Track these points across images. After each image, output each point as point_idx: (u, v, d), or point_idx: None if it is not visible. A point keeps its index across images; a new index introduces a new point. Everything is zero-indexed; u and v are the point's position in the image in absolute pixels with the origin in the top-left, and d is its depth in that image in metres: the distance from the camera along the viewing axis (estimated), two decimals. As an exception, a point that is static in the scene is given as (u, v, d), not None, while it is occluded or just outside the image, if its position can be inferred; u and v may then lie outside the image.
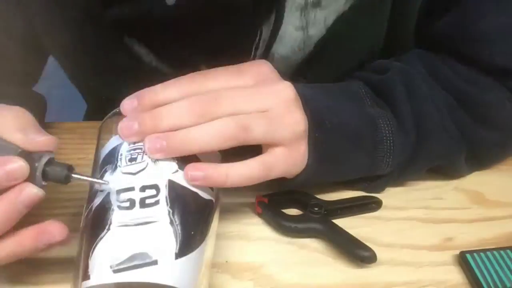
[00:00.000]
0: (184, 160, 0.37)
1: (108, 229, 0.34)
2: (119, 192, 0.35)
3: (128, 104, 0.39)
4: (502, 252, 0.42)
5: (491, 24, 0.47)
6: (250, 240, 0.44)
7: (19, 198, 0.34)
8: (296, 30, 0.47)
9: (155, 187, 0.35)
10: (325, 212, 0.45)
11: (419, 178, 0.51)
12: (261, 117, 0.39)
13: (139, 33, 0.47)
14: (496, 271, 0.41)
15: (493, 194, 0.51)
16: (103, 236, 0.33)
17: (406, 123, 0.46)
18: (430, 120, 0.47)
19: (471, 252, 0.43)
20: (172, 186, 0.36)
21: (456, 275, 0.42)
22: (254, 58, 0.46)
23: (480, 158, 0.51)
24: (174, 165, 0.37)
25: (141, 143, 0.37)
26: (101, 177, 0.37)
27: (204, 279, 0.36)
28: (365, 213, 0.48)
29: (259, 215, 0.46)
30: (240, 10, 0.45)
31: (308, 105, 0.42)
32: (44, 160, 0.35)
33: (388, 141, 0.45)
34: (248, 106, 0.39)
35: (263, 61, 0.43)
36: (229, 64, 0.42)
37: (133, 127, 0.37)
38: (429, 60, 0.51)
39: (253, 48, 0.47)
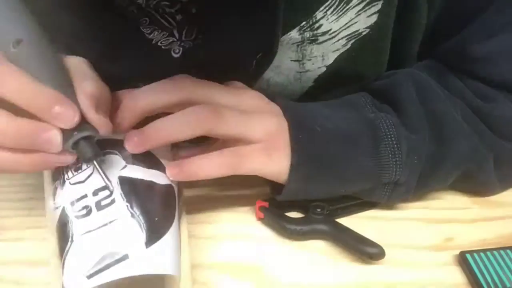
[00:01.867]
0: (129, 155, 0.37)
1: (72, 240, 0.34)
2: (73, 203, 0.35)
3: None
4: (502, 252, 0.43)
5: (494, 45, 0.46)
6: (250, 241, 0.44)
7: (42, 134, 0.33)
8: (292, 61, 0.48)
9: (107, 187, 0.35)
10: (327, 213, 0.45)
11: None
12: (235, 109, 0.40)
13: (140, 80, 0.48)
14: (496, 271, 0.41)
15: (493, 194, 0.51)
16: (69, 249, 0.34)
17: (413, 121, 0.44)
18: (449, 119, 0.45)
19: (471, 252, 0.43)
20: (124, 182, 0.36)
21: (456, 275, 0.42)
22: (247, 84, 0.47)
23: (505, 167, 0.48)
24: (121, 162, 0.37)
25: None
26: (54, 195, 0.36)
27: (185, 258, 0.36)
28: (364, 211, 0.48)
29: (261, 220, 0.46)
30: (243, 59, 0.45)
31: (287, 111, 0.42)
32: (85, 133, 0.34)
33: (390, 139, 0.43)
34: (223, 98, 0.41)
35: (239, 82, 0.44)
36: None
37: (116, 117, 0.38)
38: (438, 70, 0.50)
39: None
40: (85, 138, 0.34)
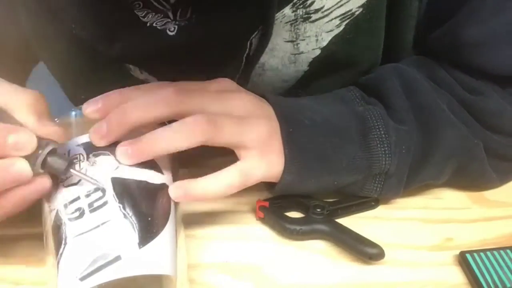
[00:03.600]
0: None
1: (65, 243, 0.34)
2: (66, 205, 0.35)
3: (91, 106, 0.38)
4: (502, 252, 0.42)
5: (484, 30, 0.46)
6: (250, 241, 0.44)
7: (10, 168, 0.33)
8: (286, 42, 0.48)
9: (100, 189, 0.35)
10: (327, 213, 0.45)
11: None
12: (229, 117, 0.40)
13: (137, 61, 0.47)
14: (496, 271, 0.41)
15: (493, 194, 0.51)
16: (62, 252, 0.33)
17: (399, 113, 0.45)
18: (435, 110, 0.46)
19: (471, 252, 0.43)
20: (117, 183, 0.36)
21: (456, 275, 0.42)
22: (245, 68, 0.47)
23: (495, 159, 0.49)
24: (114, 162, 0.37)
25: (76, 153, 0.37)
26: (49, 198, 0.36)
27: (181, 257, 0.36)
28: (364, 211, 0.47)
29: (261, 220, 0.46)
30: (238, 38, 0.45)
31: (277, 109, 0.43)
32: (48, 149, 0.34)
33: (378, 130, 0.44)
34: (215, 106, 0.40)
35: (226, 78, 0.44)
36: (218, 72, 0.44)
37: (102, 129, 0.37)
38: (426, 64, 0.50)
39: (244, 58, 0.47)
40: (49, 153, 0.34)
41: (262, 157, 0.41)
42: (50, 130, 0.35)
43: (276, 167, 0.42)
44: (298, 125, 0.43)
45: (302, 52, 0.49)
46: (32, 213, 0.45)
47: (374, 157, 0.44)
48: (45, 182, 0.35)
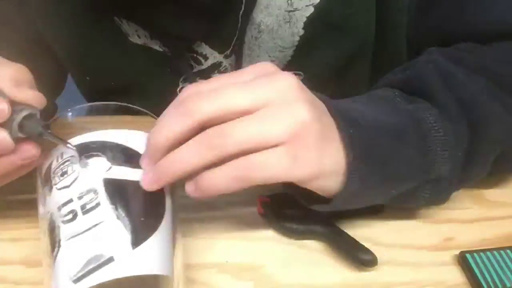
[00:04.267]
0: (114, 156, 0.37)
1: (59, 246, 0.34)
2: (59, 208, 0.35)
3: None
4: (502, 252, 0.42)
5: None
6: (250, 240, 0.44)
7: None
8: None
9: (92, 190, 0.35)
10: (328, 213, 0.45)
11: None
12: (241, 119, 0.34)
13: (129, 12, 0.48)
14: (496, 271, 0.41)
15: (493, 194, 0.51)
16: (57, 255, 0.34)
17: (450, 111, 0.41)
18: (479, 104, 0.42)
19: (471, 252, 0.43)
20: (109, 184, 0.35)
21: (456, 275, 0.42)
22: (241, 27, 0.47)
23: None
24: (106, 164, 0.36)
25: (68, 156, 0.37)
26: (44, 201, 0.37)
27: (177, 257, 0.36)
28: (366, 212, 0.47)
29: (261, 215, 0.46)
30: None
31: (329, 103, 0.38)
32: (25, 113, 0.35)
33: (438, 132, 0.39)
34: (241, 99, 0.34)
35: (267, 62, 0.38)
36: (216, 32, 0.44)
37: (149, 177, 0.36)
38: (448, 52, 0.47)
39: (240, 17, 0.47)
40: (27, 118, 0.35)
41: (286, 153, 0.34)
42: (28, 95, 0.35)
43: (306, 169, 0.35)
44: (356, 125, 0.37)
45: (296, 9, 0.49)
46: (32, 214, 0.45)
47: (433, 161, 0.40)
48: (29, 149, 0.35)
